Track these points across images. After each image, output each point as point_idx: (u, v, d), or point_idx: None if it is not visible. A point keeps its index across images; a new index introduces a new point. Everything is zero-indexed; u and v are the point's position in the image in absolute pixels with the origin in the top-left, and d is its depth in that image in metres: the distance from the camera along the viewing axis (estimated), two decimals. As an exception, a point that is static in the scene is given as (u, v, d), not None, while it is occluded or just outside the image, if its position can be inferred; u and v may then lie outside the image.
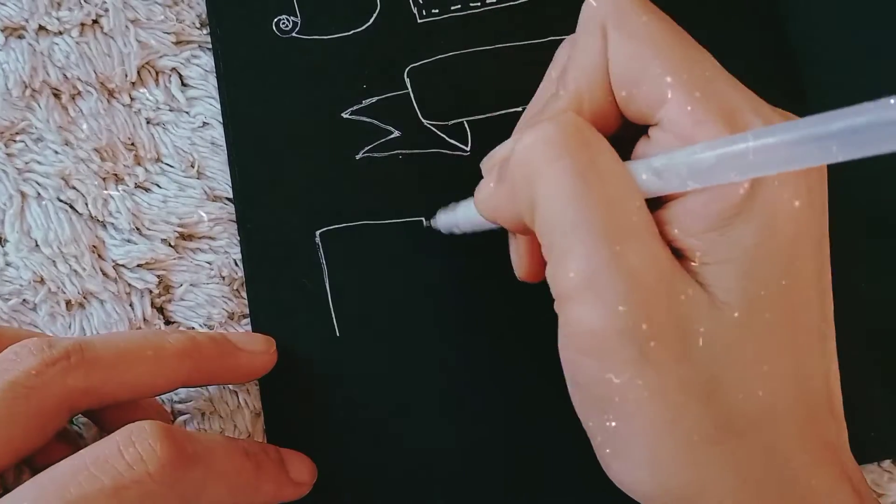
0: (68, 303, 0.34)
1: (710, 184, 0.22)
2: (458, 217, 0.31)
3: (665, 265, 0.23)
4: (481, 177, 0.33)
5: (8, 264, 0.34)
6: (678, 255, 0.24)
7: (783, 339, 0.23)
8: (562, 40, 0.36)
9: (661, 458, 0.23)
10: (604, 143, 0.24)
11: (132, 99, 0.36)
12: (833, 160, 0.19)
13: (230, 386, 0.34)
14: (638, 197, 0.24)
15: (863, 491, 0.24)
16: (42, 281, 0.34)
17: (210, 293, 0.35)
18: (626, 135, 0.26)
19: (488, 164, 0.29)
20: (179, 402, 0.34)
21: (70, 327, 0.34)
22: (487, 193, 0.27)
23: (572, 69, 0.26)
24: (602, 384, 0.23)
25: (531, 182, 0.24)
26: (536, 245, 0.27)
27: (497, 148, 0.29)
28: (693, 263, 0.24)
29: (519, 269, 0.30)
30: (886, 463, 0.35)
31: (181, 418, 0.34)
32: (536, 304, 0.32)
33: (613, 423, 0.24)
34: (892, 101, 0.18)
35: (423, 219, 0.34)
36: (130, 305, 0.34)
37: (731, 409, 0.23)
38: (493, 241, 0.32)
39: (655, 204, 0.24)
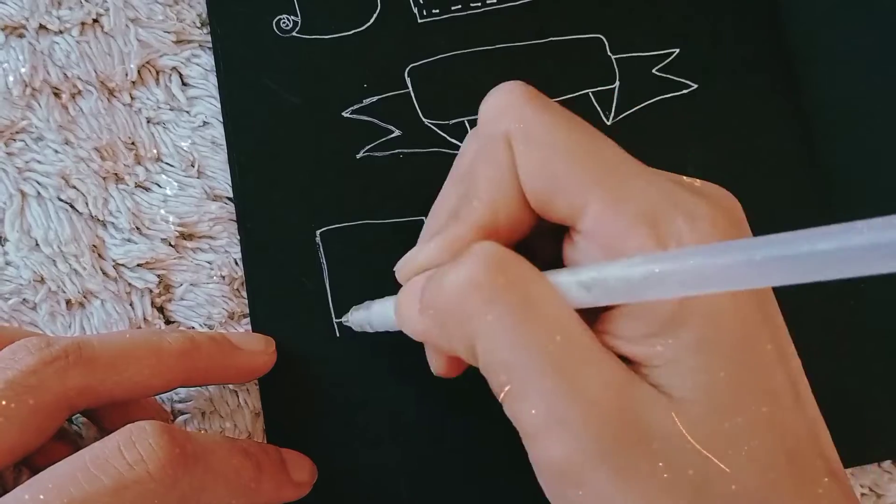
0: (68, 302, 0.34)
1: (644, 299, 0.22)
2: (372, 316, 0.31)
3: (619, 380, 0.23)
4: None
5: (8, 263, 0.34)
6: (627, 361, 0.24)
7: (755, 417, 0.23)
8: (561, 40, 0.36)
9: None
10: (531, 273, 0.24)
11: (132, 98, 0.36)
12: (769, 284, 0.19)
13: (230, 386, 0.34)
14: (576, 319, 0.23)
15: None
16: (42, 280, 0.34)
17: (210, 293, 0.35)
18: (545, 229, 0.26)
19: (404, 271, 0.28)
20: (180, 402, 0.34)
21: (70, 327, 0.34)
22: (411, 319, 0.27)
23: (482, 180, 0.25)
24: None
25: (467, 329, 0.23)
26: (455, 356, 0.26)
27: (411, 254, 0.28)
28: (644, 368, 0.23)
29: (435, 370, 0.30)
30: (886, 463, 0.35)
31: (181, 418, 0.34)
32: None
33: None
34: (827, 229, 0.17)
35: (337, 320, 0.34)
36: (130, 305, 0.34)
37: (720, 495, 0.22)
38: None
39: (594, 313, 0.24)
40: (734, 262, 0.19)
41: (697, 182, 0.25)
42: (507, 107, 0.25)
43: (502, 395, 0.23)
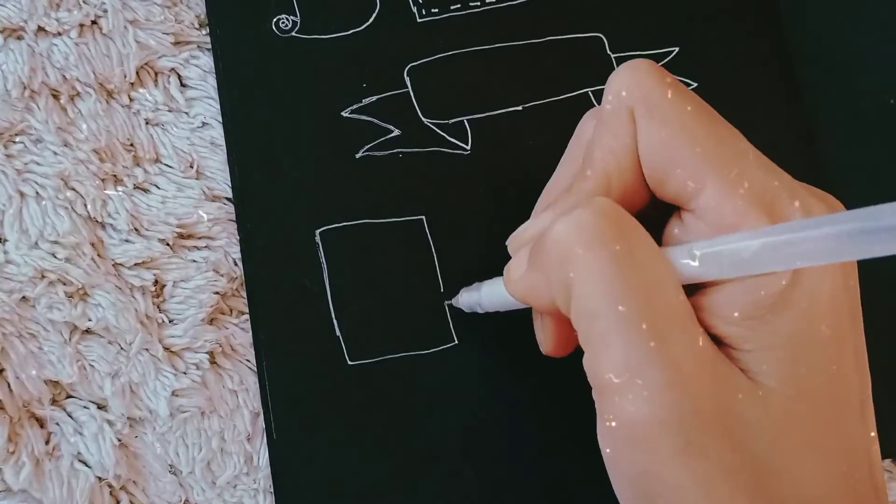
0: (70, 297, 0.34)
1: (752, 273, 0.22)
2: (482, 296, 0.31)
3: (707, 353, 0.23)
4: (485, 178, 0.33)
5: (8, 262, 0.34)
6: (718, 342, 0.24)
7: (829, 422, 0.23)
8: (561, 39, 0.36)
9: None
10: (640, 230, 0.24)
11: (131, 100, 0.36)
12: (877, 255, 0.19)
13: (229, 385, 0.34)
14: (676, 285, 0.23)
15: None
16: (42, 276, 0.34)
17: (209, 292, 0.35)
18: (653, 211, 0.26)
19: (514, 243, 0.28)
20: (179, 397, 0.34)
21: (70, 325, 0.34)
22: (519, 276, 0.27)
23: (599, 150, 0.26)
24: (646, 476, 0.23)
25: (567, 270, 0.23)
26: (563, 324, 0.27)
27: (522, 227, 0.28)
28: (734, 350, 0.23)
29: (545, 345, 0.30)
30: (886, 462, 0.35)
31: (182, 416, 0.34)
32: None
33: None
34: None
35: (446, 302, 0.34)
36: (130, 304, 0.34)
37: (780, 496, 0.22)
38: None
39: (692, 290, 0.24)
40: (849, 230, 0.19)
41: (809, 186, 0.25)
42: (633, 83, 0.25)
43: (587, 344, 0.23)
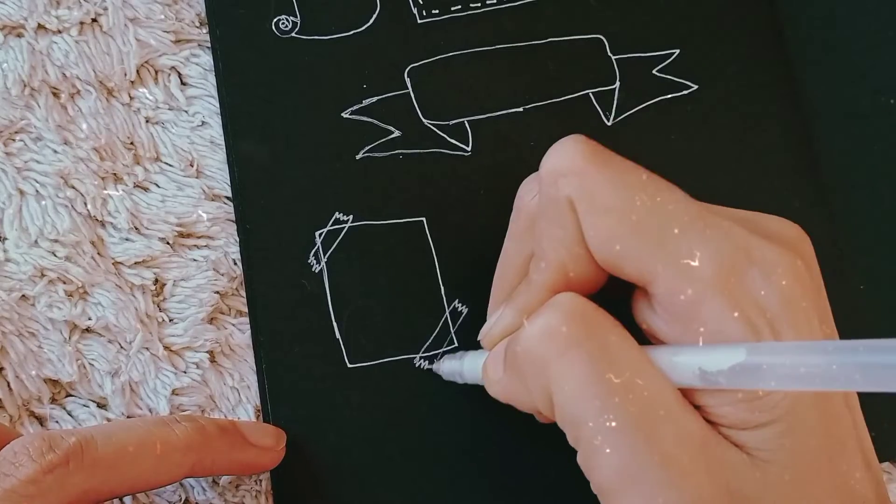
0: (69, 296, 0.34)
1: (719, 387, 0.22)
2: (463, 369, 0.31)
3: (700, 438, 0.23)
4: (486, 179, 0.33)
5: (8, 260, 0.34)
6: (710, 420, 0.23)
7: (833, 481, 0.23)
8: (562, 41, 0.36)
9: None
10: (609, 322, 0.23)
11: (131, 98, 0.36)
12: (857, 388, 0.19)
13: (230, 385, 0.34)
14: (657, 374, 0.23)
15: None
16: (42, 274, 0.34)
17: (209, 292, 0.35)
18: (617, 281, 0.26)
19: (486, 340, 0.28)
20: (179, 397, 0.34)
21: (70, 324, 0.34)
22: (497, 380, 0.27)
23: (548, 241, 0.25)
24: None
25: (544, 380, 0.23)
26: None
27: (489, 324, 0.28)
28: (727, 429, 0.23)
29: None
30: (886, 464, 0.35)
31: (182, 414, 0.34)
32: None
33: None
34: None
35: (416, 357, 0.34)
36: (130, 302, 0.34)
37: None
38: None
39: None
40: (821, 363, 0.19)
41: (764, 219, 0.25)
42: (568, 168, 0.24)
43: (578, 446, 0.23)
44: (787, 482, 0.22)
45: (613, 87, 0.36)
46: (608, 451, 0.22)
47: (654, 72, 0.36)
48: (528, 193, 0.28)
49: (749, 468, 0.23)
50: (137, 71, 0.36)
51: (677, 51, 0.36)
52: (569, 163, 0.24)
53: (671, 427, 0.22)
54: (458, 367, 0.31)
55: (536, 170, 0.32)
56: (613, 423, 0.22)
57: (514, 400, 0.26)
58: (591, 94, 0.36)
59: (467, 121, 0.35)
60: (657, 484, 0.22)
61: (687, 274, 0.23)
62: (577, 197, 0.24)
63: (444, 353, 0.33)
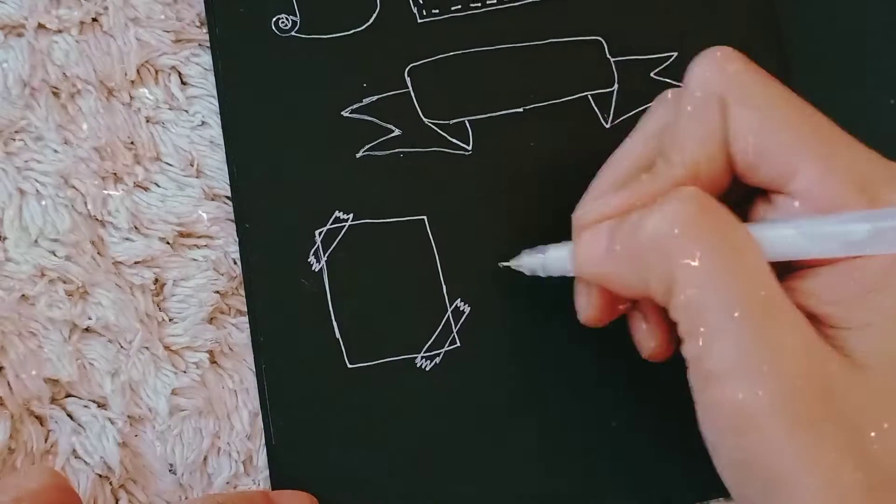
0: (69, 295, 0.34)
1: (861, 254, 0.23)
2: (547, 262, 0.31)
3: (808, 337, 0.23)
4: (487, 178, 0.33)
5: (8, 260, 0.34)
6: (813, 321, 0.24)
7: None
8: (561, 42, 0.36)
9: None
10: (735, 220, 0.24)
11: (131, 98, 0.36)
12: None
13: (229, 385, 0.34)
14: (772, 272, 0.24)
15: None
16: (42, 274, 0.34)
17: (209, 291, 0.35)
18: (732, 197, 0.27)
19: (586, 219, 0.28)
20: (178, 396, 0.34)
21: (70, 323, 0.34)
22: (597, 257, 0.27)
23: (689, 138, 0.26)
24: (758, 459, 0.23)
25: (670, 265, 0.24)
26: (610, 298, 0.28)
27: (591, 204, 0.28)
28: (830, 329, 0.24)
29: (585, 314, 0.30)
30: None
31: (180, 414, 0.34)
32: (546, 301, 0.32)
33: (772, 496, 0.24)
34: None
35: (500, 263, 0.34)
36: (130, 302, 0.34)
37: (884, 467, 0.23)
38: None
39: (785, 273, 0.25)
40: None
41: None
42: (721, 71, 0.26)
43: (691, 336, 0.24)
44: (887, 387, 0.23)
45: (612, 89, 0.36)
46: (726, 336, 0.23)
47: (652, 74, 0.36)
48: (668, 101, 0.29)
49: (849, 371, 0.23)
50: (138, 71, 0.36)
51: (675, 53, 0.36)
52: (723, 66, 0.26)
53: (786, 322, 0.23)
54: (541, 259, 0.31)
55: (536, 170, 0.32)
56: (735, 312, 0.23)
57: (610, 280, 0.27)
58: (589, 96, 0.35)
59: (468, 120, 0.35)
60: (767, 371, 0.23)
61: (831, 175, 0.24)
62: (732, 94, 0.25)
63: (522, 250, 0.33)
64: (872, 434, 0.23)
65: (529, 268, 0.32)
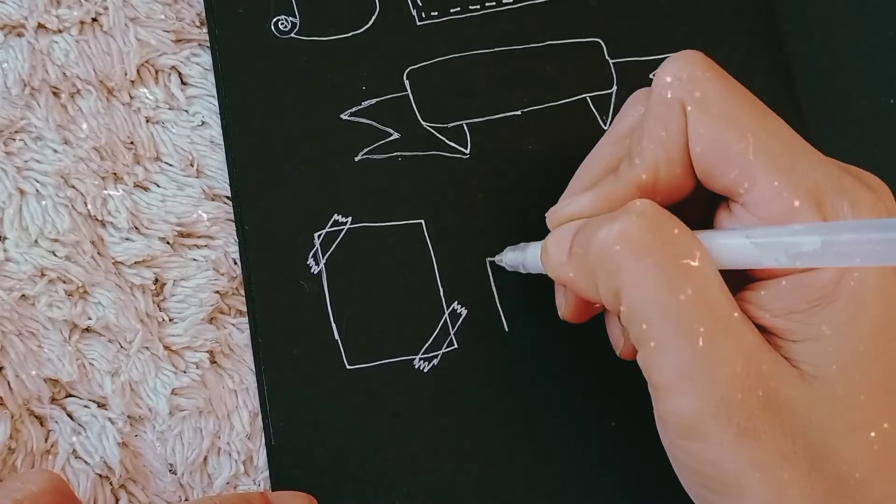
0: (69, 295, 0.34)
1: (810, 265, 0.23)
2: (527, 258, 0.32)
3: (753, 348, 0.24)
4: (484, 182, 0.33)
5: (8, 260, 0.34)
6: (763, 331, 0.24)
7: (882, 399, 0.24)
8: (560, 44, 0.36)
9: None
10: (685, 233, 0.24)
11: (131, 97, 0.36)
12: None
13: (229, 385, 0.34)
14: (722, 284, 0.24)
15: None
16: (42, 273, 0.34)
17: (209, 291, 0.35)
18: (697, 199, 0.27)
19: (553, 218, 0.29)
20: (178, 396, 0.34)
21: (70, 323, 0.34)
22: (559, 264, 0.28)
23: (649, 140, 0.26)
24: (706, 464, 0.24)
25: (616, 279, 0.24)
26: (584, 301, 0.28)
27: (562, 204, 0.29)
28: (780, 340, 0.24)
29: (563, 312, 0.31)
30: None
31: (180, 414, 0.34)
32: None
33: (724, 502, 0.24)
34: None
35: (488, 258, 0.34)
36: (130, 302, 0.34)
37: (835, 476, 0.23)
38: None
39: (737, 284, 0.25)
40: None
41: (856, 169, 0.26)
42: (685, 75, 0.26)
43: (640, 346, 0.25)
44: (835, 399, 0.24)
45: (611, 91, 0.36)
46: (668, 352, 0.24)
47: (651, 76, 0.36)
48: (638, 101, 0.29)
49: (799, 382, 0.24)
50: (138, 70, 0.36)
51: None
52: (687, 69, 0.26)
53: (730, 335, 0.24)
54: (521, 257, 0.32)
55: (534, 173, 0.32)
56: (676, 328, 0.23)
57: (570, 283, 0.28)
58: (588, 98, 0.36)
59: (466, 123, 0.35)
60: (710, 382, 0.23)
61: (785, 187, 0.24)
62: (691, 99, 0.25)
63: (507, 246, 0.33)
64: (821, 443, 0.23)
65: (511, 264, 0.33)
